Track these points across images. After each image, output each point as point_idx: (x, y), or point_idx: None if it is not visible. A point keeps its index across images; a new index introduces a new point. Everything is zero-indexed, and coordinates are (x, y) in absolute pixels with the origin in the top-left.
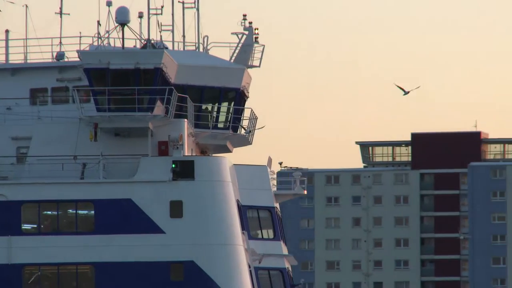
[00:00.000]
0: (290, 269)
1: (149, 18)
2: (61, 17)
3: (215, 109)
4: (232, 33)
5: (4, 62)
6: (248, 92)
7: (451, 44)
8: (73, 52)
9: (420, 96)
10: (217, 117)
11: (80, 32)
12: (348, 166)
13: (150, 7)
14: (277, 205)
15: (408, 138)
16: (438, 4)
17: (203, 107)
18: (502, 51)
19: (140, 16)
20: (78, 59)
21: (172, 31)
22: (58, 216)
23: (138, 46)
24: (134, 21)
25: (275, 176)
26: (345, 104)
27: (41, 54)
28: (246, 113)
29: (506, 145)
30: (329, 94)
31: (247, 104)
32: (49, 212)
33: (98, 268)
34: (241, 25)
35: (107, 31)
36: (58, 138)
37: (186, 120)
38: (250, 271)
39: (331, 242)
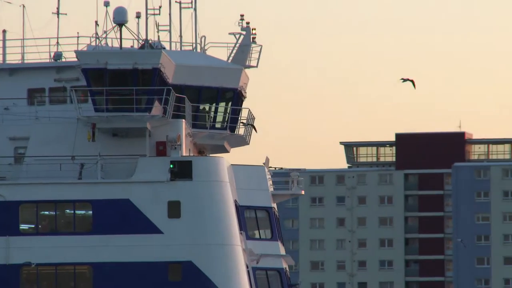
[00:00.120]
0: (287, 269)
1: (147, 18)
2: (58, 17)
3: (213, 109)
4: (229, 33)
5: (1, 62)
6: (245, 92)
7: (434, 45)
8: (71, 52)
9: (404, 96)
10: (215, 117)
11: (78, 32)
12: (332, 166)
13: (148, 7)
14: (274, 205)
15: (393, 138)
16: (420, 4)
17: (201, 107)
18: (486, 51)
19: (138, 16)
20: (75, 59)
21: (170, 31)
22: (56, 216)
23: (135, 46)
24: (131, 21)
25: (270, 176)
26: (329, 105)
27: (39, 54)
28: (244, 113)
29: (490, 145)
30: (315, 95)
31: (244, 104)
32: (47, 212)
33: (96, 268)
34: (239, 25)
35: (105, 31)
36: (56, 138)
37: (184, 120)
38: (248, 271)
39: (316, 243)
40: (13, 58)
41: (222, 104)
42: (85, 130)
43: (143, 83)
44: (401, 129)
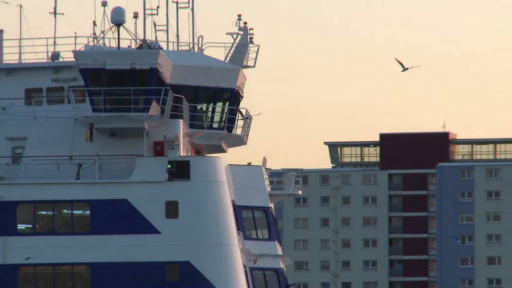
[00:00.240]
0: (285, 269)
1: (144, 19)
2: (55, 17)
3: (210, 109)
4: (227, 33)
5: None
6: (242, 92)
7: (418, 44)
8: (68, 52)
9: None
10: (212, 117)
11: (75, 32)
12: (316, 166)
13: (146, 7)
14: (271, 205)
15: (377, 138)
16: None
17: (198, 107)
18: (470, 51)
19: (136, 16)
20: (73, 59)
21: (167, 31)
22: (53, 216)
23: (133, 46)
24: (129, 21)
25: (267, 176)
26: (313, 105)
27: (36, 54)
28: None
29: (474, 145)
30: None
31: (241, 104)
32: (45, 212)
33: (93, 268)
34: (236, 25)
35: (103, 31)
36: (53, 139)
37: (181, 120)
38: (245, 271)
39: (300, 243)
40: (10, 58)
41: (220, 104)
42: (83, 130)
43: (141, 83)
44: (385, 129)
